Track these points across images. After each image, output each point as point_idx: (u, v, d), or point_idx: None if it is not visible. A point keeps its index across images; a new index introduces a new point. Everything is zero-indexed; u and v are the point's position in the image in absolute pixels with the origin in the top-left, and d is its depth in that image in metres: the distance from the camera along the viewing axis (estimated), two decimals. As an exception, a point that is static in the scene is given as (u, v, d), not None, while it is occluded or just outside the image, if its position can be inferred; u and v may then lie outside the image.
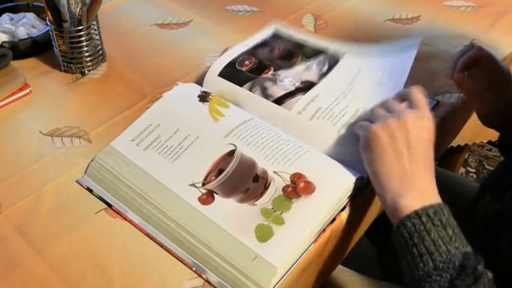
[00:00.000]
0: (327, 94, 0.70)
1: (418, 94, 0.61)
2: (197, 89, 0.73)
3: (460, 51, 0.73)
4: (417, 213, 0.53)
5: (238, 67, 0.76)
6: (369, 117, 0.62)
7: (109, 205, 0.62)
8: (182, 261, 0.57)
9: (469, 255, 0.51)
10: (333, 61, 0.76)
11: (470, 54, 0.71)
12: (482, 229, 0.62)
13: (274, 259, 0.54)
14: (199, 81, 0.76)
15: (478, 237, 0.62)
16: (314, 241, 0.58)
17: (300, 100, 0.69)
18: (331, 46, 0.79)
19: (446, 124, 0.79)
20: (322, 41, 0.81)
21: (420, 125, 0.58)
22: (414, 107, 0.60)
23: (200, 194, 0.60)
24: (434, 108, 0.76)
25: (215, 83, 0.74)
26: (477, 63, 0.71)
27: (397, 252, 0.55)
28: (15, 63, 0.80)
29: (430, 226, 0.52)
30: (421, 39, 0.75)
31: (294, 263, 0.56)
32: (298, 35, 0.83)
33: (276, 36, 0.82)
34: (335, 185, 0.60)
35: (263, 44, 0.81)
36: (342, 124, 0.66)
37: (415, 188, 0.55)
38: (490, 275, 0.50)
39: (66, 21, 0.79)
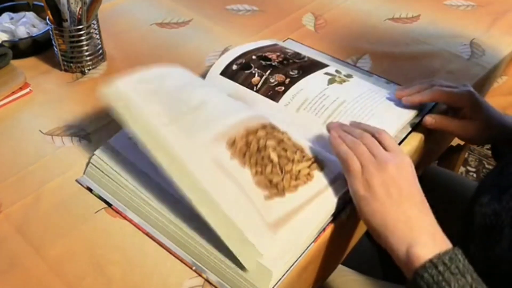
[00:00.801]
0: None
1: (389, 137, 0.60)
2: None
3: (417, 86, 0.72)
4: (432, 263, 0.50)
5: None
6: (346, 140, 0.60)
7: (109, 205, 0.62)
8: (182, 260, 0.57)
9: None
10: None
11: (425, 96, 0.70)
12: (481, 229, 0.62)
13: (272, 261, 0.54)
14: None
15: (478, 237, 0.62)
16: (314, 241, 0.58)
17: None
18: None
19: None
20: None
21: (406, 171, 0.57)
22: (389, 149, 0.58)
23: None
24: (434, 108, 0.75)
25: (216, 82, 0.74)
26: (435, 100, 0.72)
27: None
28: (15, 62, 0.80)
29: (448, 275, 0.49)
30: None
31: (293, 264, 0.55)
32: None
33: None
34: (334, 186, 0.60)
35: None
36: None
37: (426, 233, 0.54)
38: None
39: (66, 20, 0.79)
